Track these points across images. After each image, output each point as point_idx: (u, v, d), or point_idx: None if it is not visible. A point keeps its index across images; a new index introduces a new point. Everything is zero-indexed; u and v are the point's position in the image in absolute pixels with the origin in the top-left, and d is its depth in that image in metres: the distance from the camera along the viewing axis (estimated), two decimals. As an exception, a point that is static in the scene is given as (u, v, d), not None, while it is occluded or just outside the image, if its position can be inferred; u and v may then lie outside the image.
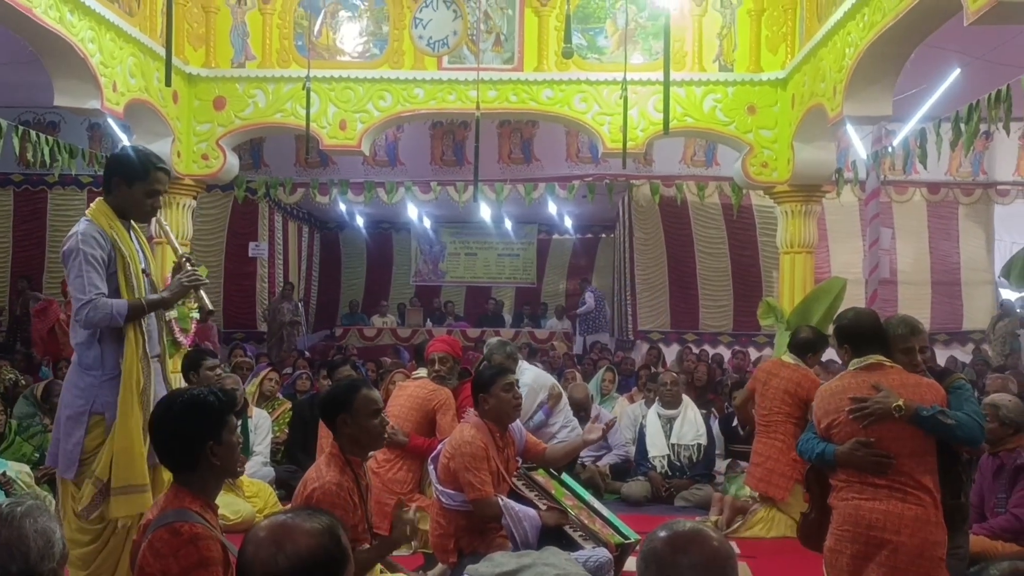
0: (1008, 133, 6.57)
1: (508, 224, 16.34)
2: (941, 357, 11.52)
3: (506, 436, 4.36)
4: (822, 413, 3.58)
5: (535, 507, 4.15)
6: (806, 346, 5.79)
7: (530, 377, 6.36)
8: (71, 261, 3.38)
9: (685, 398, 7.12)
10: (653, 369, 9.18)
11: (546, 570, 3.33)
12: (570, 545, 3.96)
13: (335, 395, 3.52)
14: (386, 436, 5.31)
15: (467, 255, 17.62)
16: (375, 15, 8.08)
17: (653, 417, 7.06)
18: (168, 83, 5.15)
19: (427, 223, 16.60)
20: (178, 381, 5.78)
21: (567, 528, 4.08)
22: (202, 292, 3.65)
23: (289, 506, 3.73)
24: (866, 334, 3.59)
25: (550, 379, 6.72)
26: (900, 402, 3.33)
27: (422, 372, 5.68)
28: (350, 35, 8.12)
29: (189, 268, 3.63)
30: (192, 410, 2.62)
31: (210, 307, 3.70)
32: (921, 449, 3.39)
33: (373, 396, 3.49)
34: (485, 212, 14.90)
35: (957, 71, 8.54)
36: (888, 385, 3.40)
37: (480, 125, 7.11)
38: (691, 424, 6.98)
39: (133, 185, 3.50)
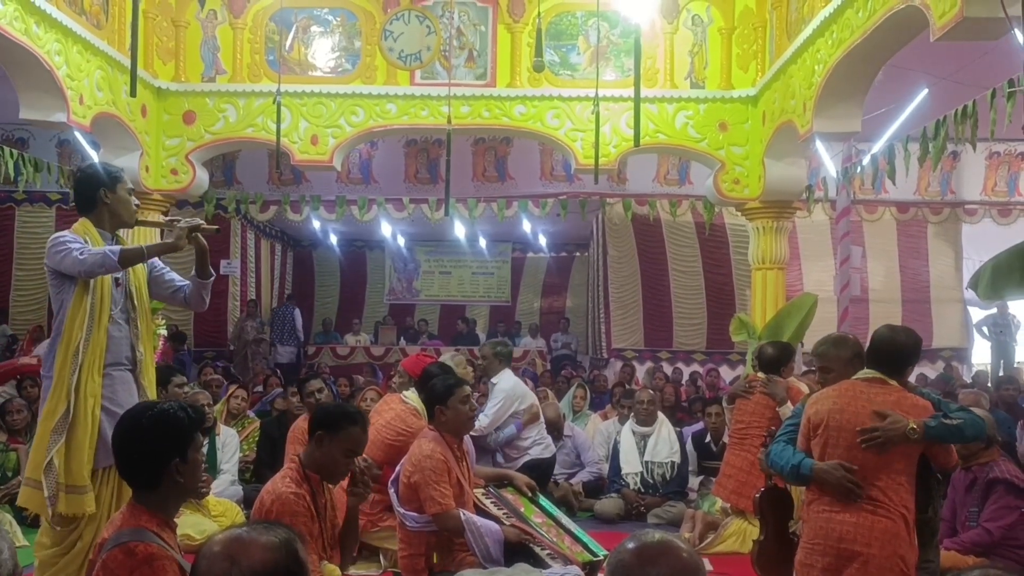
0: (975, 148, 6.65)
1: (482, 242, 16.32)
2: (912, 374, 11.60)
3: (462, 447, 4.34)
4: (812, 412, 3.53)
5: (499, 522, 4.09)
6: (774, 363, 5.71)
7: (508, 384, 6.30)
8: (52, 249, 3.50)
9: (660, 416, 7.09)
10: (627, 386, 9.15)
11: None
12: (538, 563, 3.90)
13: (333, 413, 3.43)
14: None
15: (441, 273, 17.55)
16: (347, 30, 8.06)
17: (627, 434, 7.03)
18: (133, 93, 5.07)
19: (401, 241, 16.53)
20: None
21: (534, 546, 4.02)
22: (204, 225, 3.70)
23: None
24: (872, 347, 3.57)
25: (532, 396, 6.64)
26: (912, 424, 3.31)
27: (411, 396, 5.42)
28: (322, 50, 8.08)
29: (184, 220, 3.71)
30: (160, 425, 2.54)
31: (216, 228, 3.84)
32: (900, 467, 3.37)
33: (361, 439, 3.42)
34: (459, 230, 14.87)
35: (925, 91, 8.65)
36: (881, 401, 3.39)
37: (454, 143, 7.08)
38: (665, 442, 6.95)
39: (116, 188, 3.68)
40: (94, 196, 3.65)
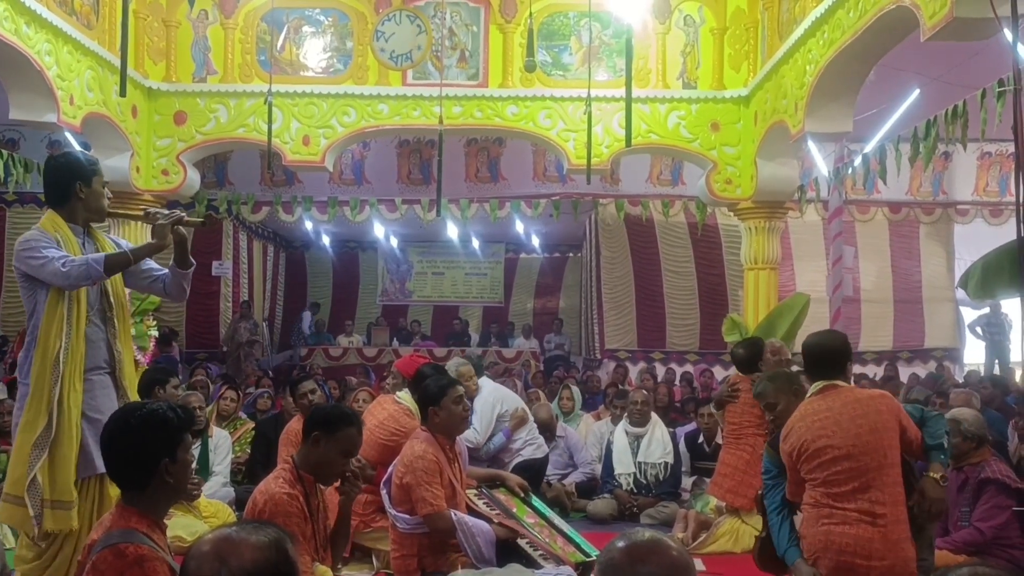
0: (965, 147, 6.68)
1: (475, 243, 16.31)
2: (904, 374, 11.64)
3: (455, 448, 4.33)
4: (787, 451, 3.54)
5: (488, 522, 4.09)
6: (749, 362, 5.87)
7: (486, 390, 6.30)
8: (26, 255, 3.31)
9: (653, 416, 7.08)
10: (620, 387, 9.13)
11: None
12: (531, 564, 3.90)
13: (330, 414, 3.41)
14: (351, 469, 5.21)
15: (434, 274, 17.53)
16: (339, 31, 8.06)
17: (620, 434, 7.01)
18: (123, 93, 5.05)
19: (394, 242, 16.51)
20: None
21: (526, 547, 4.01)
22: (186, 217, 3.57)
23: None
24: (809, 357, 3.65)
25: (514, 399, 6.63)
26: (940, 476, 3.43)
27: (405, 397, 5.41)
28: (314, 50, 8.09)
29: (163, 211, 3.58)
30: (149, 426, 2.51)
31: (201, 220, 3.72)
32: (893, 460, 3.40)
33: (357, 440, 3.43)
34: (452, 231, 14.87)
35: (916, 92, 8.67)
36: (841, 404, 3.44)
37: (447, 144, 7.09)
38: (658, 443, 6.94)
39: (92, 182, 3.48)
40: (68, 190, 3.44)
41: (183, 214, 3.56)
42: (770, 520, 3.76)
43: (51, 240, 3.34)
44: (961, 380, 10.94)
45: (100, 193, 3.51)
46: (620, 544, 1.78)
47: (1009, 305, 12.25)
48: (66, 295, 3.34)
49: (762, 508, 4.08)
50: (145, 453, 2.49)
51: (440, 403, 4.20)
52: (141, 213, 3.73)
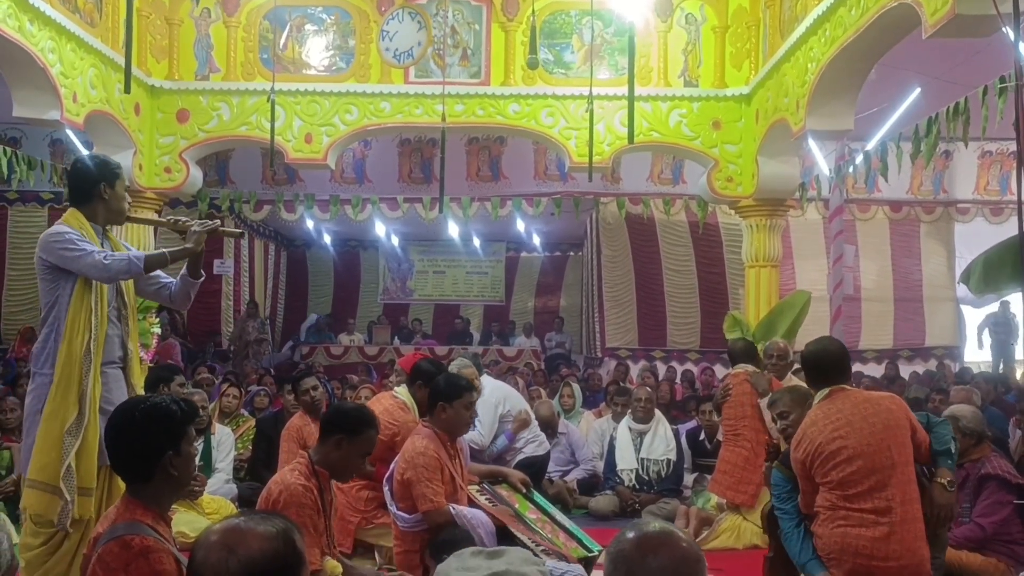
0: (966, 144, 6.69)
1: (476, 242, 16.32)
2: (904, 372, 11.65)
3: (455, 444, 4.33)
4: (801, 457, 3.55)
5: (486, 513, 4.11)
6: (748, 354, 6.09)
7: (487, 390, 6.30)
8: (59, 247, 3.36)
9: (657, 413, 7.10)
10: (621, 384, 9.14)
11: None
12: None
13: (352, 417, 3.45)
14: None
15: (435, 273, 17.54)
16: (341, 29, 8.07)
17: (624, 430, 7.03)
18: (127, 90, 5.07)
19: (395, 241, 16.52)
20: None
21: (528, 542, 4.01)
22: (222, 228, 3.66)
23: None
24: (813, 366, 3.70)
25: (516, 398, 6.63)
26: (947, 481, 3.46)
27: (402, 391, 5.42)
28: (316, 48, 8.10)
29: (191, 220, 3.67)
30: (154, 418, 2.51)
31: (240, 231, 3.96)
32: (907, 458, 3.43)
33: (375, 441, 3.51)
34: (453, 230, 14.87)
35: (917, 90, 8.68)
36: (851, 405, 3.46)
37: (448, 143, 7.10)
38: (662, 439, 6.96)
39: (115, 185, 3.58)
40: (92, 190, 3.53)
41: (218, 223, 3.64)
42: (786, 531, 3.72)
43: (83, 236, 3.42)
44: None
45: (122, 195, 3.62)
46: (630, 535, 1.78)
47: (1017, 305, 12.28)
48: (93, 290, 3.41)
49: (770, 526, 4.07)
50: (149, 446, 2.50)
51: (452, 402, 4.17)
52: (168, 222, 3.78)
